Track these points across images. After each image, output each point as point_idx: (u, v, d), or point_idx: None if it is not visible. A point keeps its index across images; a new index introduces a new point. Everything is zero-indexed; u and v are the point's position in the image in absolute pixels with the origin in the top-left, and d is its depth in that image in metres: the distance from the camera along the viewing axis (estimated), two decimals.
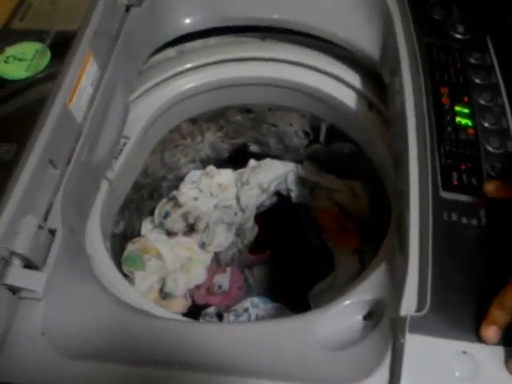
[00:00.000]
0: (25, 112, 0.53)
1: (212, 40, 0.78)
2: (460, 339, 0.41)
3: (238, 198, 0.91)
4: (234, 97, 0.81)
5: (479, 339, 0.41)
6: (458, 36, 0.60)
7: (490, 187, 0.47)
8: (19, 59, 0.58)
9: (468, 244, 0.46)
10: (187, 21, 0.71)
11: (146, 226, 0.88)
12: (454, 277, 0.44)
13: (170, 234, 0.89)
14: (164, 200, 0.91)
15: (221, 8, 0.71)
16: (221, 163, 0.97)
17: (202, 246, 0.89)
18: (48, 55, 0.58)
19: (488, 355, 0.41)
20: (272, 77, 0.77)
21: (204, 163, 0.97)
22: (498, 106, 0.55)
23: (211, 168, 0.95)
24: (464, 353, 0.40)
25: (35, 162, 0.47)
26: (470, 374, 0.40)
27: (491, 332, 0.40)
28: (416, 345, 0.41)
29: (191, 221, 0.88)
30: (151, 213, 0.90)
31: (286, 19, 0.72)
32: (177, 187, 0.94)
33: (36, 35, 0.61)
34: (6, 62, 0.58)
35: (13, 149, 0.50)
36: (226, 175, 0.94)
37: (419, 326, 0.41)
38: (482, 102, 0.55)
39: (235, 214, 0.90)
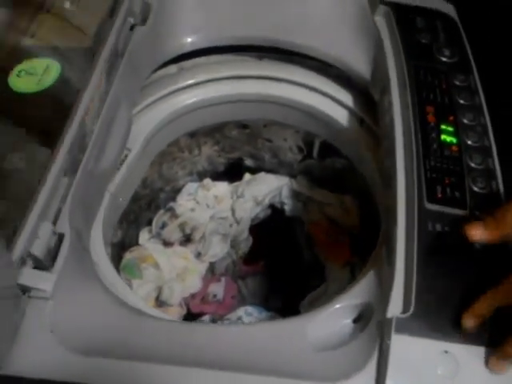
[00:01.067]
0: (37, 124, 0.56)
1: (212, 58, 0.82)
2: (442, 339, 0.44)
3: (233, 210, 0.94)
4: (232, 113, 0.85)
5: (460, 340, 0.44)
6: (444, 59, 0.64)
7: (472, 232, 0.46)
8: (30, 74, 0.62)
9: (451, 252, 0.49)
10: (189, 39, 0.74)
11: (144, 236, 0.91)
12: (436, 282, 0.47)
13: (166, 243, 0.91)
14: (161, 211, 0.94)
15: (220, 28, 0.75)
16: (217, 176, 1.00)
17: (198, 255, 0.92)
18: (58, 70, 0.62)
19: (468, 354, 0.44)
20: (268, 94, 0.81)
21: (201, 176, 1.00)
22: (480, 125, 0.59)
23: (207, 181, 0.99)
24: (446, 352, 0.43)
25: (56, 173, 0.50)
26: (451, 373, 0.43)
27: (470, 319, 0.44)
28: (401, 345, 0.44)
29: (188, 231, 0.91)
30: (149, 223, 0.93)
31: (282, 39, 0.76)
32: (174, 199, 0.97)
33: (46, 51, 0.64)
34: (18, 75, 0.62)
35: (23, 158, 0.54)
36: (222, 188, 0.97)
37: (404, 328, 0.44)
38: (465, 121, 0.59)
39: (230, 226, 0.93)
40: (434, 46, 0.65)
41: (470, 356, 0.44)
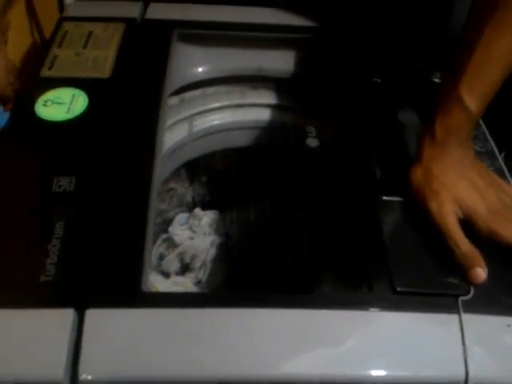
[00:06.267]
0: (79, 149, 0.57)
1: (209, 89, 0.85)
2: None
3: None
4: (231, 140, 0.88)
5: None
6: None
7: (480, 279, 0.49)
8: (57, 103, 0.63)
9: None
10: (193, 71, 0.78)
11: None
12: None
13: (165, 274, 0.92)
14: (158, 242, 0.95)
15: (221, 61, 0.79)
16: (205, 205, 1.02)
17: (198, 283, 0.93)
18: (85, 99, 0.63)
19: None
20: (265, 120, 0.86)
21: (189, 206, 1.01)
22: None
23: (197, 210, 1.00)
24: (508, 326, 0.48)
25: None
26: None
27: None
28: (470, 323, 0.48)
29: (187, 260, 0.92)
30: None
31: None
32: (165, 230, 0.98)
33: (67, 82, 0.65)
34: (44, 105, 0.62)
35: (72, 181, 0.54)
36: (214, 216, 0.99)
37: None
38: None
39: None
40: None
41: None
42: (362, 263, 0.52)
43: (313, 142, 0.68)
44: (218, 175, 0.98)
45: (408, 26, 0.71)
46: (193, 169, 0.95)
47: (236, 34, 0.77)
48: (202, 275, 0.92)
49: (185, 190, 0.98)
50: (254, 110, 0.87)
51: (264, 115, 0.86)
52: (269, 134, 0.88)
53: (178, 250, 0.92)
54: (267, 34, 0.77)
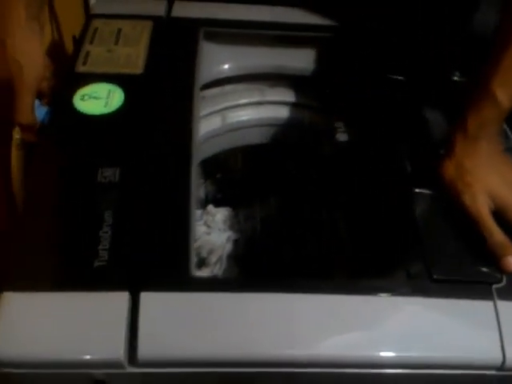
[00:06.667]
0: (120, 141, 0.59)
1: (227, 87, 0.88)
2: None
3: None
4: (248, 137, 0.90)
5: None
6: None
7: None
8: (95, 98, 0.64)
9: None
10: (218, 69, 0.80)
11: None
12: None
13: None
14: None
15: (244, 59, 0.82)
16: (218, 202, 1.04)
17: None
18: (121, 94, 0.65)
19: None
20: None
21: (202, 203, 1.03)
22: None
23: (210, 207, 1.02)
24: None
25: None
26: None
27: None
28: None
29: (204, 255, 0.94)
30: None
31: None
32: None
33: (102, 77, 0.67)
34: (82, 99, 0.64)
35: (117, 172, 0.56)
36: (227, 213, 1.01)
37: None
38: None
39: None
40: None
41: None
42: (399, 253, 0.54)
43: (342, 137, 0.70)
44: (234, 172, 1.00)
45: (430, 25, 0.74)
46: (207, 166, 0.97)
47: (258, 33, 0.79)
48: (218, 270, 0.94)
49: (198, 187, 1.00)
50: (272, 108, 0.89)
51: (282, 113, 0.88)
52: (285, 132, 0.91)
53: (195, 244, 0.94)
54: (289, 32, 0.79)
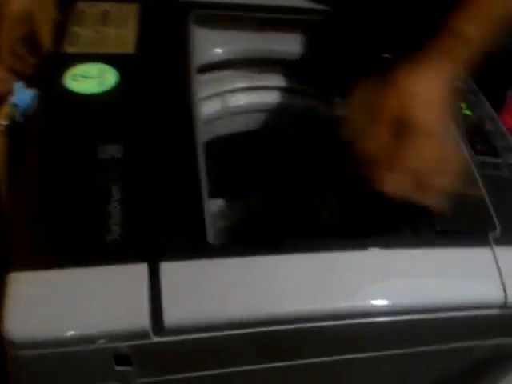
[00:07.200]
0: (121, 118, 0.57)
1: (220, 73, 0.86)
2: None
3: None
4: (237, 124, 0.89)
5: None
6: None
7: None
8: (86, 77, 0.62)
9: None
10: (209, 53, 0.78)
11: None
12: None
13: None
14: None
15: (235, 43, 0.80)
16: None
17: None
18: (114, 73, 0.62)
19: None
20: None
21: None
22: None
23: None
24: None
25: None
26: None
27: None
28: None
29: None
30: None
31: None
32: None
33: (93, 58, 0.65)
34: (74, 79, 0.61)
35: (120, 148, 0.54)
36: (220, 203, 0.99)
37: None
38: None
39: None
40: None
41: None
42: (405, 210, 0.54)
43: (341, 111, 0.69)
44: (224, 162, 0.98)
45: (417, 3, 0.74)
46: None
47: (250, 15, 0.78)
48: None
49: None
50: (261, 93, 0.88)
51: (272, 98, 0.87)
52: (276, 117, 0.89)
53: None
54: (280, 15, 0.79)
